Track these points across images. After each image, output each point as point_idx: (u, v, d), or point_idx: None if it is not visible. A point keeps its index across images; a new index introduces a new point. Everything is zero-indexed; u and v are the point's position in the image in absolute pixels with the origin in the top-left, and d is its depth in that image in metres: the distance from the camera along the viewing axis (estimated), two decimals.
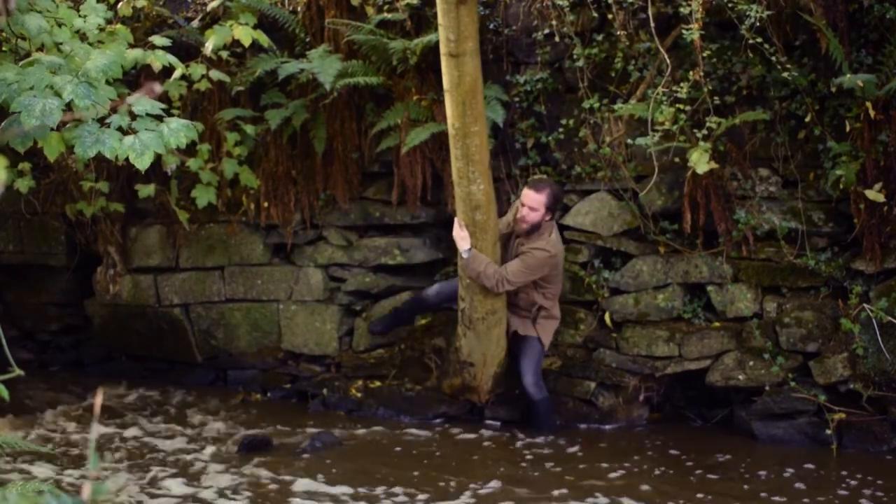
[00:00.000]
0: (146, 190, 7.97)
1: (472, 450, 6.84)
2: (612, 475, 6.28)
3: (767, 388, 6.75)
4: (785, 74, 6.55)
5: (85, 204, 8.11)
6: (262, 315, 8.20)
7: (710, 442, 6.84)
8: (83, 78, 4.68)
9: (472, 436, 7.09)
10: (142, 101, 4.80)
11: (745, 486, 6.06)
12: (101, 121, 4.83)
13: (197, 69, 7.42)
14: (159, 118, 4.98)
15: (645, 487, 6.07)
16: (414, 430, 7.19)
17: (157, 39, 6.55)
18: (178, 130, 4.79)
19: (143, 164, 4.72)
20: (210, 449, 6.92)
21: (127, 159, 4.75)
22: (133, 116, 4.87)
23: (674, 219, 7.09)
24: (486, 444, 6.96)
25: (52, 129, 4.94)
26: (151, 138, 4.70)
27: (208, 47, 7.28)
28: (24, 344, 9.18)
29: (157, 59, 6.23)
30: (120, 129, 4.81)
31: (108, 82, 5.07)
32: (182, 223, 8.07)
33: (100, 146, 4.58)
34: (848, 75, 6.29)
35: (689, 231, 6.94)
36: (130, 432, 7.31)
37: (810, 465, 6.33)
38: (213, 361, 8.49)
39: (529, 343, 6.95)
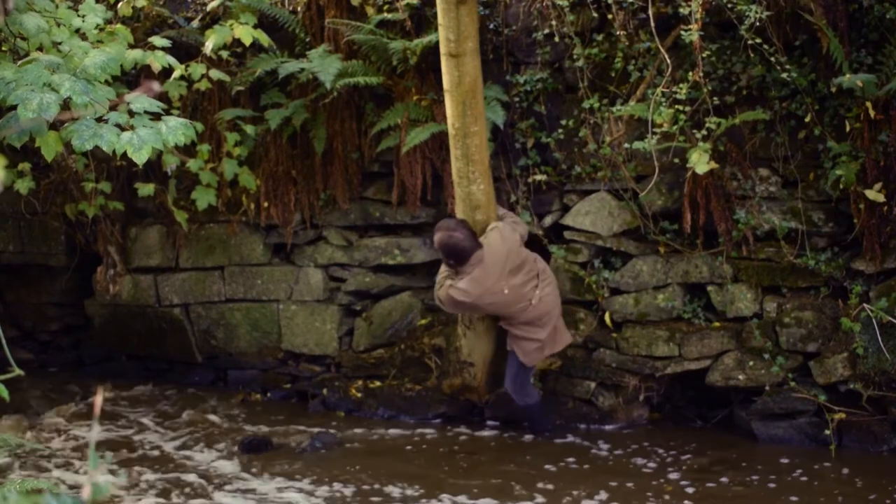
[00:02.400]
0: (146, 188, 7.98)
1: (472, 450, 6.83)
2: (611, 475, 6.28)
3: (767, 388, 6.74)
4: (785, 74, 6.55)
5: (86, 204, 8.11)
6: (262, 315, 8.20)
7: (710, 442, 6.83)
8: (81, 75, 4.68)
9: (471, 436, 7.09)
10: (140, 99, 4.79)
11: (745, 486, 6.06)
12: (100, 119, 4.83)
13: (197, 69, 7.42)
14: (157, 116, 4.97)
15: (644, 487, 6.07)
16: (414, 430, 7.19)
17: (157, 40, 6.55)
18: (177, 128, 4.78)
19: (140, 158, 4.71)
20: (210, 449, 6.92)
21: (126, 158, 4.75)
22: (131, 114, 4.87)
23: (674, 219, 7.09)
24: (485, 444, 6.96)
25: (49, 126, 4.93)
26: (150, 134, 4.69)
27: (208, 47, 7.27)
28: (24, 344, 9.18)
29: (157, 60, 6.23)
30: (118, 125, 4.80)
31: (107, 82, 5.07)
32: (180, 224, 8.07)
33: (97, 140, 4.57)
34: (848, 75, 6.29)
35: (689, 231, 6.94)
36: (130, 432, 7.32)
37: (810, 465, 6.32)
38: (213, 361, 8.49)
39: (510, 354, 6.92)
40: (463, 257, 6.48)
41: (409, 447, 6.89)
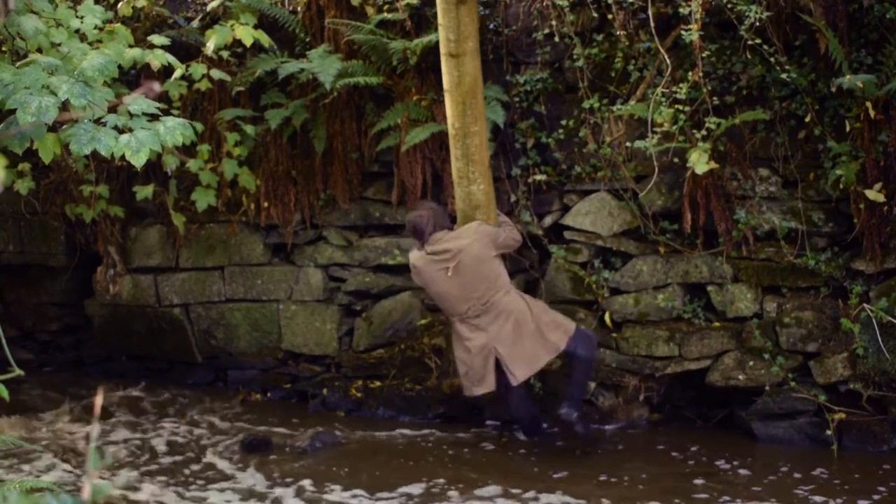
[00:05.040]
0: (144, 191, 7.98)
1: (472, 449, 6.84)
2: (611, 475, 6.28)
3: (767, 388, 6.74)
4: (785, 75, 6.54)
5: (84, 208, 8.11)
6: (262, 315, 8.20)
7: (710, 442, 6.83)
8: (79, 77, 4.67)
9: (471, 436, 7.09)
10: (138, 101, 4.79)
11: (746, 487, 6.06)
12: (98, 121, 4.82)
13: (197, 69, 7.42)
14: (156, 117, 4.97)
15: (644, 488, 6.07)
16: (414, 430, 7.19)
17: (157, 38, 6.54)
18: (175, 129, 4.77)
19: (139, 161, 4.71)
20: (210, 449, 6.92)
21: (125, 158, 4.74)
22: (130, 116, 4.86)
23: (674, 219, 7.08)
24: (485, 444, 6.96)
25: (48, 129, 4.93)
26: (147, 136, 4.68)
27: (209, 47, 7.28)
28: (24, 344, 9.18)
29: (156, 59, 6.22)
30: (116, 127, 4.80)
31: (106, 83, 5.06)
32: (177, 227, 8.07)
33: (95, 143, 4.57)
34: (848, 75, 6.28)
35: (689, 231, 6.93)
36: (130, 432, 7.32)
37: (810, 466, 6.32)
38: (213, 361, 8.49)
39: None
40: (421, 234, 6.60)
41: (409, 447, 6.89)
